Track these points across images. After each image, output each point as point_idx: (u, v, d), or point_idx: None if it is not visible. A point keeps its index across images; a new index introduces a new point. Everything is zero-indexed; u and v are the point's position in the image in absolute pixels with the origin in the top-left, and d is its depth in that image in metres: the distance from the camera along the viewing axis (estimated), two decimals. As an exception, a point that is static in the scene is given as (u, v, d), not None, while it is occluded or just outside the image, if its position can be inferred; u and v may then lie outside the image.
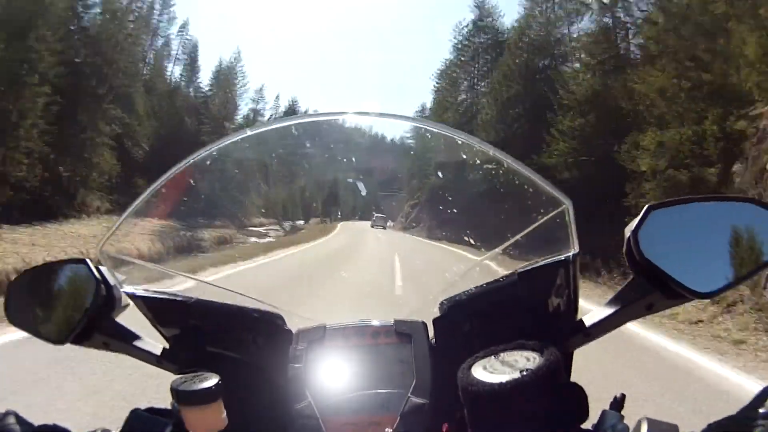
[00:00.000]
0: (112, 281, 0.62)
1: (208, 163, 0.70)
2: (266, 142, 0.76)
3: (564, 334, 0.56)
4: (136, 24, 24.09)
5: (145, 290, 0.65)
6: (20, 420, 0.51)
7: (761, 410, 0.39)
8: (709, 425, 0.42)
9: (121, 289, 0.63)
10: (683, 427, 0.44)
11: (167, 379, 0.53)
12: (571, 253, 0.57)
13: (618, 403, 0.51)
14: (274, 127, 0.78)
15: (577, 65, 17.05)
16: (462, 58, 30.50)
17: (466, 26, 30.17)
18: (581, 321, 0.57)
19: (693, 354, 4.60)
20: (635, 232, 0.51)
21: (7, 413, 0.51)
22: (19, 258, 7.91)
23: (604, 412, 0.50)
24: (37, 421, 0.52)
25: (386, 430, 0.56)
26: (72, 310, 0.60)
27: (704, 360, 4.40)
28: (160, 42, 30.80)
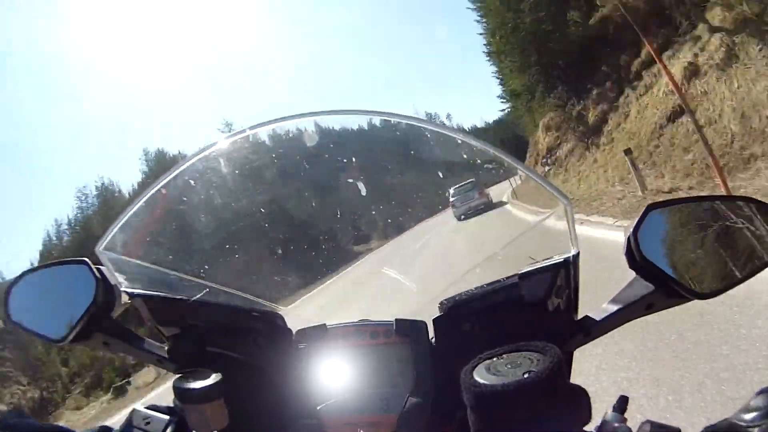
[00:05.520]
0: (112, 281, 0.62)
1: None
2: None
3: (564, 334, 0.56)
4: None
5: (145, 290, 0.65)
6: (26, 418, 0.51)
7: (758, 412, 0.39)
8: (707, 428, 0.42)
9: (121, 289, 0.63)
10: (685, 431, 0.44)
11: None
12: (571, 254, 0.57)
13: (620, 406, 0.51)
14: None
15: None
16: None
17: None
18: (581, 321, 0.57)
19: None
20: (635, 232, 0.51)
21: (15, 411, 0.52)
22: None
23: (606, 415, 0.50)
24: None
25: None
26: (72, 310, 0.60)
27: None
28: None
